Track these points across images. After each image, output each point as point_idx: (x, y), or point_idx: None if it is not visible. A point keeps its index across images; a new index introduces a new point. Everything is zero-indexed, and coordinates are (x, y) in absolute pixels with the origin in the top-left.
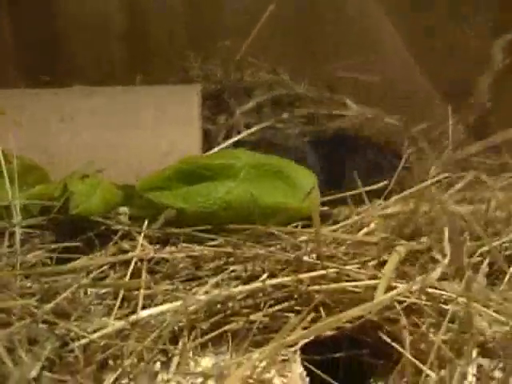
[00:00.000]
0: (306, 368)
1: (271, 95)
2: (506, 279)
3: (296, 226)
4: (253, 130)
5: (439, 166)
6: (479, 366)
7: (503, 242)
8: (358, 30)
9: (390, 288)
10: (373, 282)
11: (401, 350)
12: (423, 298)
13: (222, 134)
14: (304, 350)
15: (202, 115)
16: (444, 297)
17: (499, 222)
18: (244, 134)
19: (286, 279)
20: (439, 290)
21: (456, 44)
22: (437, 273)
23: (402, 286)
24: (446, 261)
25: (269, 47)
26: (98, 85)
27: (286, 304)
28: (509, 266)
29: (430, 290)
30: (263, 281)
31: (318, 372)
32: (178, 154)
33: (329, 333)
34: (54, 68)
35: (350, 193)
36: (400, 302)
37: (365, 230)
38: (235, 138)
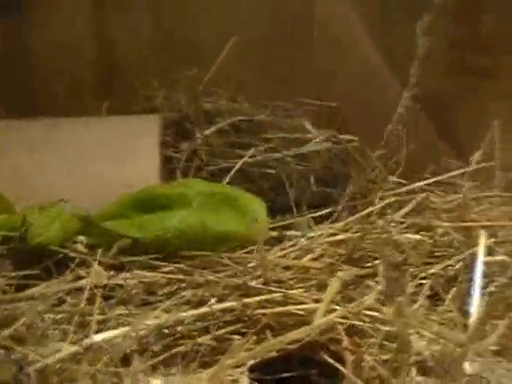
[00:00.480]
0: None
1: (231, 121)
2: (447, 301)
3: (248, 252)
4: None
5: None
6: None
7: (447, 266)
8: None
9: (331, 311)
10: (315, 305)
11: (342, 369)
12: (365, 319)
13: (183, 159)
14: (255, 369)
15: (164, 142)
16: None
17: (446, 246)
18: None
19: (232, 303)
20: (375, 311)
21: None
22: (371, 297)
23: (339, 309)
24: (380, 286)
25: (232, 76)
26: (66, 113)
27: (233, 327)
28: (450, 289)
29: (368, 313)
30: (210, 305)
31: None
32: (138, 184)
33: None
34: (21, 97)
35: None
36: (342, 324)
37: (310, 255)
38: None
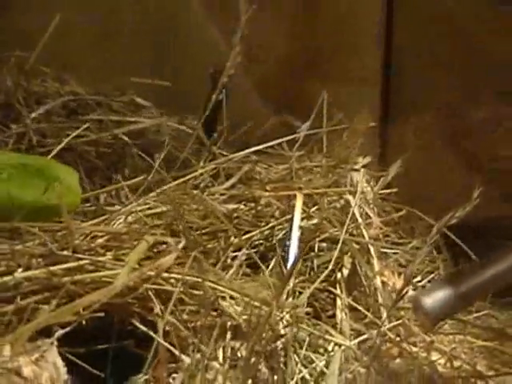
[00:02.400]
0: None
1: (60, 102)
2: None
3: (59, 222)
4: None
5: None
6: (232, 349)
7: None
8: None
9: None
10: (120, 270)
11: (154, 336)
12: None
13: (11, 142)
14: (69, 342)
15: None
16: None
17: (269, 216)
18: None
19: (37, 272)
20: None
21: None
22: (169, 259)
23: (139, 270)
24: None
25: (59, 55)
26: None
27: (39, 296)
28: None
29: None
30: (14, 274)
31: (81, 363)
32: None
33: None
34: None
35: (112, 187)
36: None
37: (123, 223)
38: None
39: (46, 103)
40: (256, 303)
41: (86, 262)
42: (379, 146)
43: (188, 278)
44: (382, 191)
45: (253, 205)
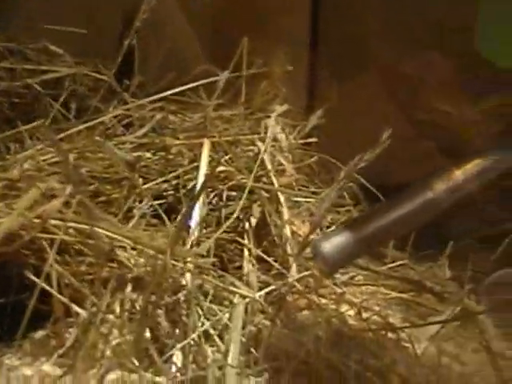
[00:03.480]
0: None
1: None
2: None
3: None
4: None
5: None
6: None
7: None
8: None
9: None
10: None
11: (48, 288)
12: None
13: None
14: None
15: None
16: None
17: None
18: None
19: None
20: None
21: None
22: (54, 205)
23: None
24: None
25: None
26: None
27: None
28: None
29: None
30: None
31: None
32: None
33: None
34: None
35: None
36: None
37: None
38: None
39: None
40: (151, 251)
41: None
42: (306, 98)
43: (72, 224)
44: (302, 141)
45: (163, 154)
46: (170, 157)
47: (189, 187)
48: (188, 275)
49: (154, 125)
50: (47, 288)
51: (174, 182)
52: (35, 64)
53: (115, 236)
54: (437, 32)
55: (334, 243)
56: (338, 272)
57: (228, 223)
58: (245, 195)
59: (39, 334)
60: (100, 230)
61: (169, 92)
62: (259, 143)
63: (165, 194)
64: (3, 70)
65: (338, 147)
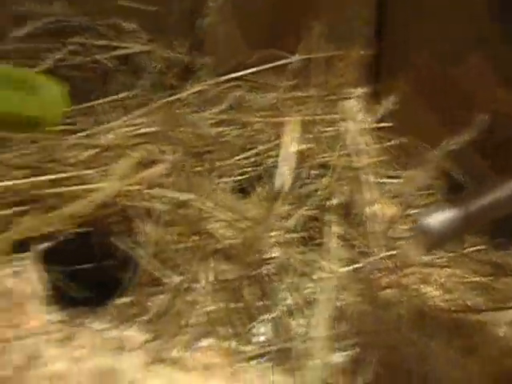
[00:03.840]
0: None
1: (44, 24)
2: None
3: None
4: None
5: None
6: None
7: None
8: None
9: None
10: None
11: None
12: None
13: None
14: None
15: None
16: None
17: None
18: None
19: (19, 182)
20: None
21: None
22: (156, 171)
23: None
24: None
25: None
26: None
27: (21, 207)
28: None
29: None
30: None
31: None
32: None
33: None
34: None
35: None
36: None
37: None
38: None
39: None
40: (245, 223)
41: (71, 174)
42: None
43: (176, 195)
44: (377, 125)
45: (242, 130)
46: (251, 133)
47: (270, 164)
48: (276, 248)
49: (231, 102)
50: (137, 257)
51: (253, 159)
52: (108, 40)
53: (212, 205)
54: None
55: (438, 218)
56: (440, 248)
57: (313, 200)
58: (329, 173)
59: (122, 300)
60: (197, 199)
61: (245, 72)
62: (343, 123)
63: (245, 170)
64: (77, 44)
65: (412, 132)
